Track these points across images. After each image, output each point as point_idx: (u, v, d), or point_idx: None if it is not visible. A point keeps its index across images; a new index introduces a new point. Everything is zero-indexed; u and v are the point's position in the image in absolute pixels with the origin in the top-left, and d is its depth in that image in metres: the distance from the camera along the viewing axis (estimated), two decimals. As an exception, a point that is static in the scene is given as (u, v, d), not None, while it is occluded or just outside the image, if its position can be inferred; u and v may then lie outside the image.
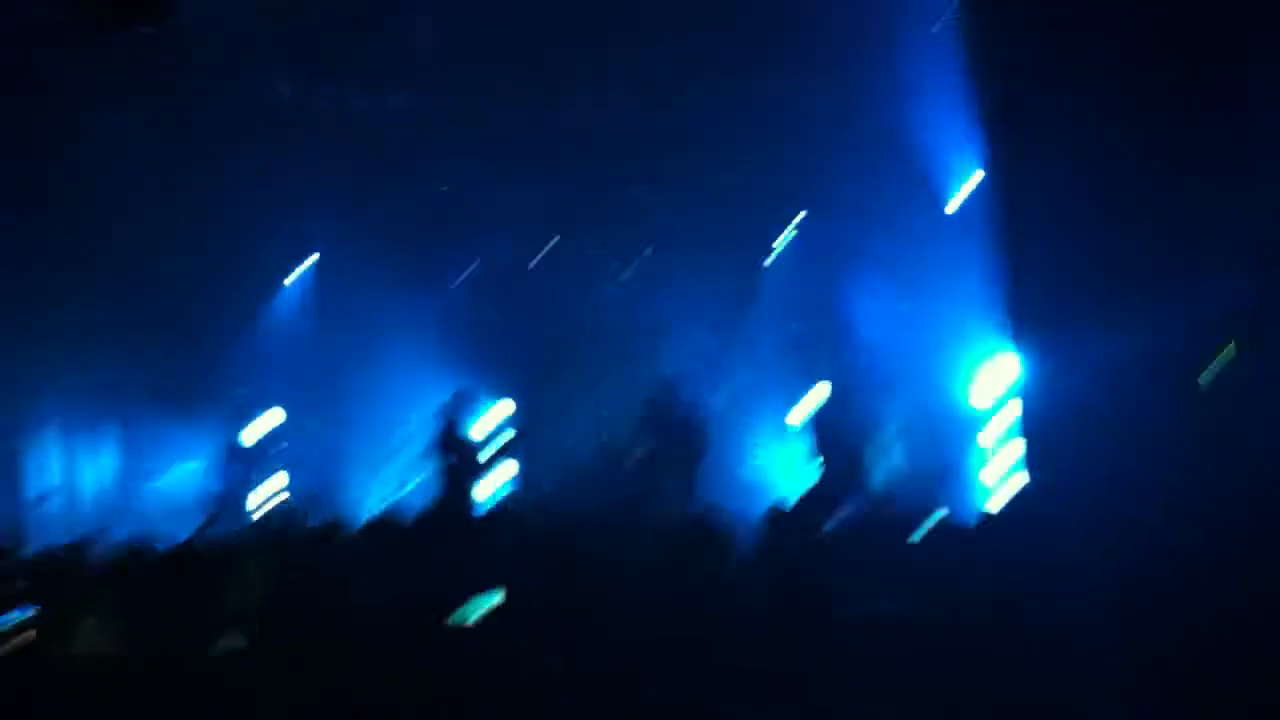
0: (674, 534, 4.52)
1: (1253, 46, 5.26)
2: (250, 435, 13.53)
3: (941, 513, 7.44)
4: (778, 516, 7.82)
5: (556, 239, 15.76)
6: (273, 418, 14.71)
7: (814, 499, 9.22)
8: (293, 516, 9.47)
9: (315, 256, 15.78)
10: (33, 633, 5.40)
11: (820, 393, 12.91)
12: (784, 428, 14.51)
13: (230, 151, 13.07)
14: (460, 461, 11.86)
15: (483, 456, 12.07)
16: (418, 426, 15.15)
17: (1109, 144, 5.81)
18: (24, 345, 13.72)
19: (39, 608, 5.48)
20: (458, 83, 12.13)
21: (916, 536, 6.92)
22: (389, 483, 15.67)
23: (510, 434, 13.07)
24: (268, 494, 13.44)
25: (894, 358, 14.31)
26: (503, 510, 10.25)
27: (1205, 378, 5.47)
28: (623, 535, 5.51)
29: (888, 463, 12.89)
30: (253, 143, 13.17)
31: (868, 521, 7.46)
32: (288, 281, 15.52)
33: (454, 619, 4.39)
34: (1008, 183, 6.72)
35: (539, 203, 14.95)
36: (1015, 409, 8.85)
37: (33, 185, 13.18)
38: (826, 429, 12.01)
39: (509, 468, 13.55)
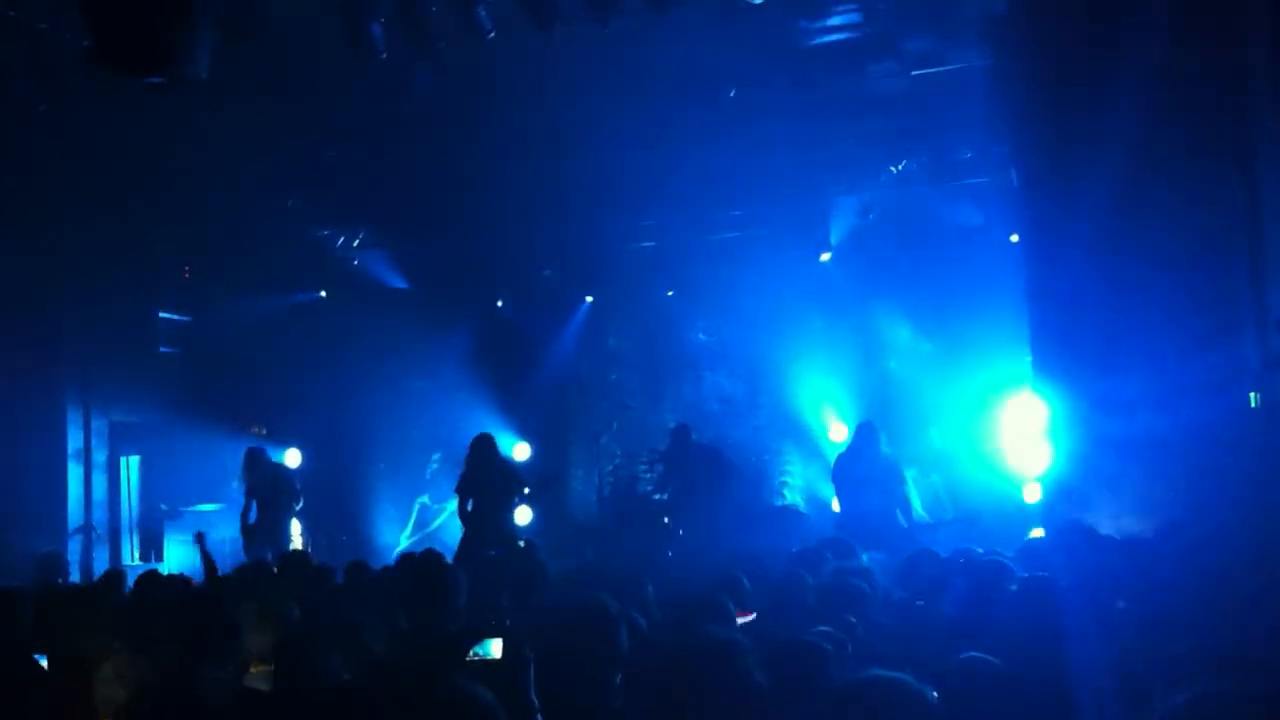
0: (684, 587, 4.42)
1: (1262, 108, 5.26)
2: (271, 473, 13.50)
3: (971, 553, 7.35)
4: (801, 560, 7.74)
5: (588, 300, 15.84)
6: (292, 458, 14.76)
7: (836, 543, 9.02)
8: (311, 556, 9.39)
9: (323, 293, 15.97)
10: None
11: (842, 432, 12.78)
12: (808, 466, 14.45)
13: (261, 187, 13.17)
14: (485, 503, 11.75)
15: (507, 498, 11.95)
16: (437, 469, 15.20)
17: (1132, 201, 5.84)
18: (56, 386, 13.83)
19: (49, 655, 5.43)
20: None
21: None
22: (408, 525, 15.70)
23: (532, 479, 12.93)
24: (289, 533, 13.41)
25: (922, 396, 14.26)
26: (516, 554, 10.13)
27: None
28: (632, 586, 5.41)
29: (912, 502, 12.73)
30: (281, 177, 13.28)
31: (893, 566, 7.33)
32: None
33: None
34: (1035, 244, 6.75)
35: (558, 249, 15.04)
36: (1041, 447, 8.76)
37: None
38: (850, 470, 11.82)
39: (526, 512, 13.49)
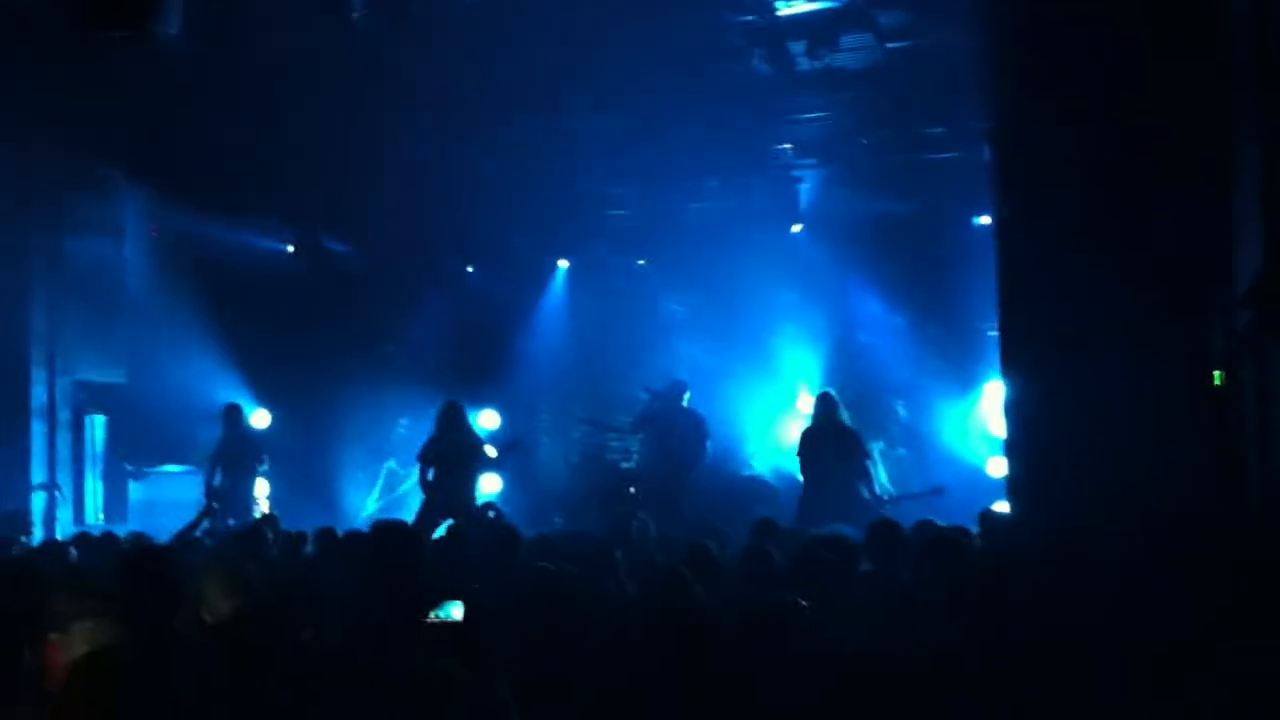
0: (654, 556, 4.41)
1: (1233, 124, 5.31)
2: (238, 436, 13.43)
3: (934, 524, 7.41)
4: (767, 531, 7.78)
5: (561, 266, 15.72)
6: (260, 419, 14.68)
7: (803, 513, 9.07)
8: (275, 522, 9.36)
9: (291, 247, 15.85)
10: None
11: (809, 403, 12.80)
12: (779, 438, 14.49)
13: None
14: (446, 471, 11.72)
15: (469, 466, 11.91)
16: (405, 434, 15.14)
17: (1104, 189, 5.88)
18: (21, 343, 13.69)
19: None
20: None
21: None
22: (375, 490, 15.66)
23: (495, 446, 12.85)
24: (254, 497, 13.36)
25: (890, 370, 14.32)
26: (483, 522, 10.12)
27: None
28: (601, 555, 5.41)
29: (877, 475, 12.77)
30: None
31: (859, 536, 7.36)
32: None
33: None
34: (1009, 221, 6.77)
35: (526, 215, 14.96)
36: (1003, 427, 8.83)
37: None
38: (812, 442, 11.85)
39: (495, 479, 13.46)
